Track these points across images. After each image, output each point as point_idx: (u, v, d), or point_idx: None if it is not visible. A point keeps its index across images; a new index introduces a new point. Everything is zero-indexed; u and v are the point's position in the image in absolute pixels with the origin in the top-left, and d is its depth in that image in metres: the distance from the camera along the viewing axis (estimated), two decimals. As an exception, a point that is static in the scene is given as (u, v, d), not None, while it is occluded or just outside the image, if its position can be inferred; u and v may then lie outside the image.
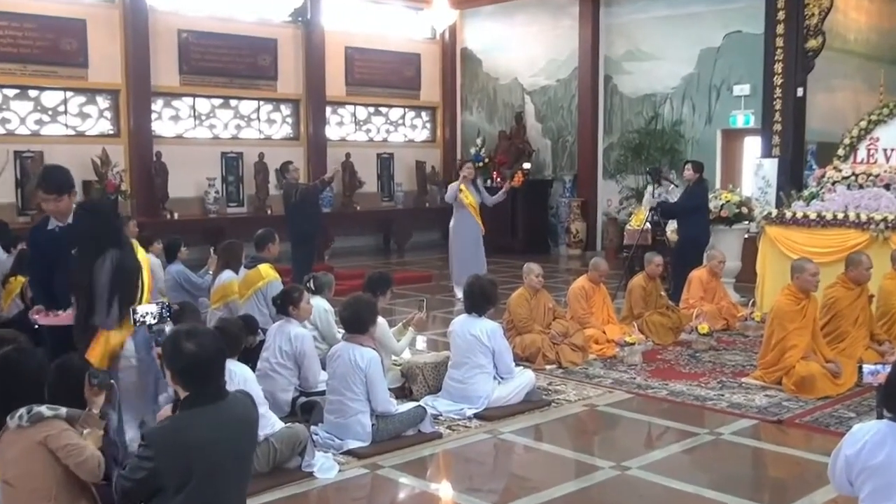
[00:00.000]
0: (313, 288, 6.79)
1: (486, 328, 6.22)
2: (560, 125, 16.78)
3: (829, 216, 9.38)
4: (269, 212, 14.87)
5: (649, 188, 12.48)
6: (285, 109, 16.26)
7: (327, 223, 15.50)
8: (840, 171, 9.87)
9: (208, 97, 15.19)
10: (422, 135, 18.53)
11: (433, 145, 18.51)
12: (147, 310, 4.42)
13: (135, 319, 4.41)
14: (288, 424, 4.91)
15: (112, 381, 4.06)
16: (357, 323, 5.42)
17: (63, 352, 4.25)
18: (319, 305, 6.80)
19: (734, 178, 13.94)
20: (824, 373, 6.68)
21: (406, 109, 18.13)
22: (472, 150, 17.35)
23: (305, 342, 5.98)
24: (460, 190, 11.16)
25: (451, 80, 18.32)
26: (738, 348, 8.38)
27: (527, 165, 16.52)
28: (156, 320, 4.43)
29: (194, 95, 14.99)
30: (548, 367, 7.51)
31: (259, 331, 6.46)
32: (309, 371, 5.97)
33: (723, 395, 6.64)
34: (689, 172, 10.37)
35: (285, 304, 6.14)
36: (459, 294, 11.06)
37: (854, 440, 2.99)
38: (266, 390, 5.73)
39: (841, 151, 10.28)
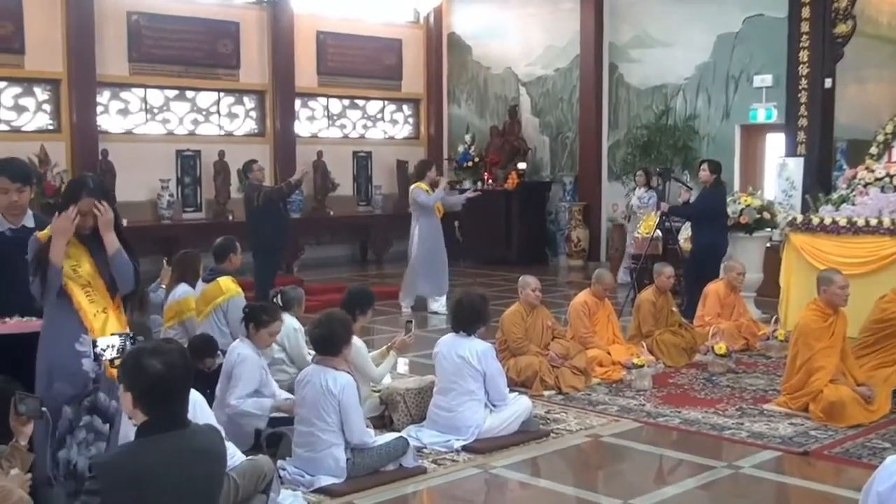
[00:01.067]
0: (280, 304, 6.78)
1: (475, 349, 6.23)
2: (559, 120, 16.84)
3: (860, 222, 9.45)
4: (230, 217, 14.85)
5: (638, 190, 12.60)
6: (249, 102, 16.27)
7: (296, 230, 15.45)
8: (873, 171, 9.95)
9: (161, 88, 15.18)
10: (403, 131, 18.56)
11: (416, 143, 18.55)
12: (108, 343, 4.34)
13: (95, 354, 4.35)
14: (251, 458, 4.89)
15: (44, 408, 4.01)
16: (329, 343, 5.41)
17: (6, 365, 4.23)
18: (288, 324, 6.78)
19: (755, 179, 14.03)
20: (855, 398, 6.72)
21: (385, 102, 18.16)
22: (461, 149, 17.41)
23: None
24: (426, 192, 11.48)
25: (437, 70, 18.38)
26: (760, 371, 8.42)
27: (522, 165, 16.58)
28: (117, 354, 4.30)
29: (145, 86, 14.98)
30: (546, 392, 7.52)
31: (218, 353, 6.44)
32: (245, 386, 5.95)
33: (742, 424, 6.67)
34: (704, 173, 10.42)
35: (249, 320, 6.12)
36: (436, 307, 11.53)
37: (888, 474, 2.99)
38: (228, 419, 5.72)
39: (874, 150, 10.37)
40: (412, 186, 11.84)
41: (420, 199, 11.58)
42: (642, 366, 7.72)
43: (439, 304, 11.52)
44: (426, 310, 11.63)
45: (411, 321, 7.15)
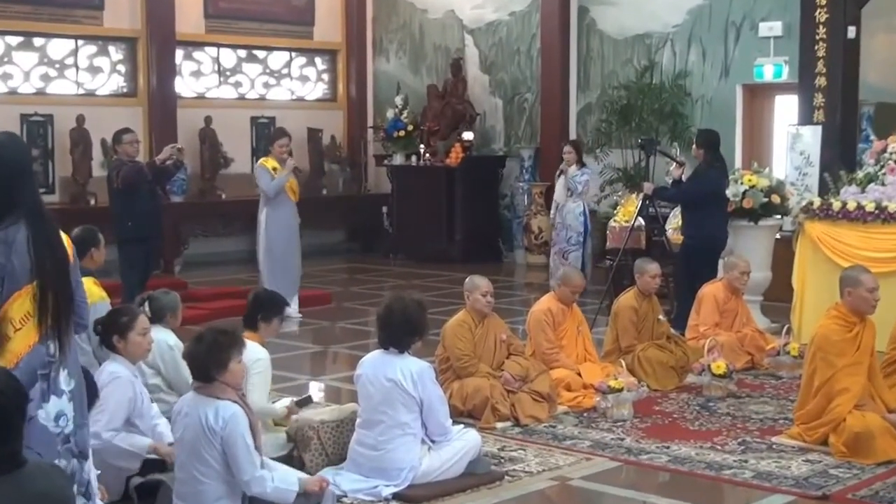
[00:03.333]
0: (149, 313, 6.69)
1: (410, 370, 6.20)
2: (515, 78, 16.89)
3: (892, 207, 9.58)
4: (91, 202, 14.68)
5: (571, 169, 12.62)
6: (116, 53, 16.07)
7: (177, 218, 15.32)
8: (907, 143, 10.11)
9: (2, 34, 14.95)
10: (316, 91, 18.48)
11: (332, 106, 18.47)
12: None
13: None
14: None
15: None
16: (203, 367, 5.32)
17: None
18: (162, 340, 6.71)
19: (761, 153, 14.20)
20: (887, 427, 6.80)
21: (293, 54, 18.07)
22: (390, 114, 17.38)
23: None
24: (274, 170, 11.67)
25: (359, 13, 18.36)
26: (768, 395, 8.49)
27: (468, 136, 16.59)
28: None
29: (-20, 31, 14.78)
30: (499, 424, 7.51)
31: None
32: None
33: (746, 462, 6.73)
34: (695, 148, 10.51)
35: (110, 333, 6.04)
36: (289, 311, 11.47)
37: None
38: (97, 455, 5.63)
39: (909, 116, 10.52)
40: (257, 164, 12.06)
41: (260, 184, 11.90)
42: (621, 389, 7.74)
43: (293, 308, 11.66)
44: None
45: (307, 396, 7.04)
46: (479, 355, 7.82)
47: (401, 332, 6.27)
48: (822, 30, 12.32)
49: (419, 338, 6.36)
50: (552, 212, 13.28)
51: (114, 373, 5.93)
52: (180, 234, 15.58)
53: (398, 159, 17.22)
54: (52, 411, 4.28)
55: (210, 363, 5.25)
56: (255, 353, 6.28)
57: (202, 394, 5.32)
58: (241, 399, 5.38)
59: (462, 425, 6.69)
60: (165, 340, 6.81)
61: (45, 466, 3.33)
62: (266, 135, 17.29)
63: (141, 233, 10.49)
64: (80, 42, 15.70)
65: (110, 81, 16.05)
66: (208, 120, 16.31)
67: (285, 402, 6.84)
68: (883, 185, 9.92)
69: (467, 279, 7.96)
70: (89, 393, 5.34)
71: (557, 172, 13.17)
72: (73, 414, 4.37)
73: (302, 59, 18.23)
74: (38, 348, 4.25)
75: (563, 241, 12.74)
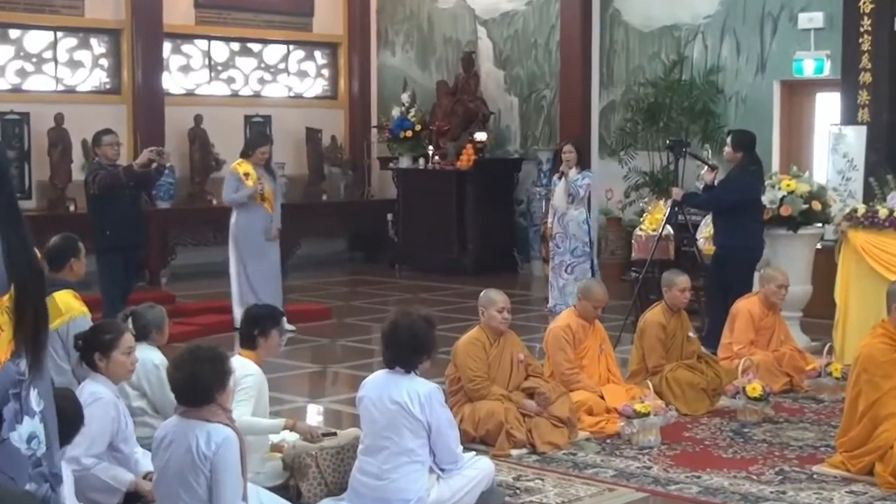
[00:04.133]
0: (133, 330, 6.70)
1: (417, 392, 6.19)
2: (532, 73, 16.90)
3: (943, 215, 9.57)
4: (72, 208, 14.71)
5: (572, 172, 12.60)
6: (98, 45, 16.11)
7: (163, 226, 15.34)
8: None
9: (-27, 25, 15.06)
10: (316, 87, 18.52)
11: (333, 104, 18.51)
12: None
13: None
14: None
15: None
16: (192, 389, 5.31)
17: None
18: (146, 358, 6.72)
19: (800, 155, 14.17)
20: (938, 456, 6.79)
21: (291, 47, 18.11)
22: (396, 112, 17.38)
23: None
24: (245, 176, 11.92)
25: (363, 3, 18.39)
26: (808, 420, 8.47)
27: (481, 136, 16.60)
28: None
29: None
30: (514, 451, 7.51)
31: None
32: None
33: (785, 493, 6.71)
34: (730, 149, 10.48)
35: (91, 351, 6.04)
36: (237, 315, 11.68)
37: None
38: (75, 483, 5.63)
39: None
40: (229, 166, 12.32)
41: (224, 190, 12.22)
42: (647, 413, 7.74)
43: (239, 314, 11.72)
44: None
45: (334, 431, 7.04)
46: (493, 377, 7.81)
47: (407, 351, 6.26)
48: (867, 21, 12.33)
49: (427, 357, 6.34)
50: (549, 220, 13.27)
51: (95, 393, 5.93)
52: (167, 243, 15.58)
53: (404, 162, 17.22)
54: (25, 433, 4.29)
55: (214, 383, 5.25)
56: (244, 369, 6.29)
57: (191, 418, 5.30)
58: (232, 422, 5.38)
59: (474, 452, 6.69)
60: (151, 359, 6.82)
61: (17, 493, 3.33)
62: (258, 134, 17.42)
63: (119, 242, 10.50)
64: (60, 34, 15.72)
65: (92, 77, 16.08)
66: (198, 119, 16.32)
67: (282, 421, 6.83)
68: (934, 190, 9.92)
69: (482, 293, 7.95)
70: (75, 418, 5.37)
71: (557, 175, 13.14)
72: (45, 436, 4.38)
73: (300, 53, 18.27)
74: (8, 366, 4.25)
75: (565, 254, 12.75)
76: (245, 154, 12.27)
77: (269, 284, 12.00)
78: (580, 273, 12.59)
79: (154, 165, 10.82)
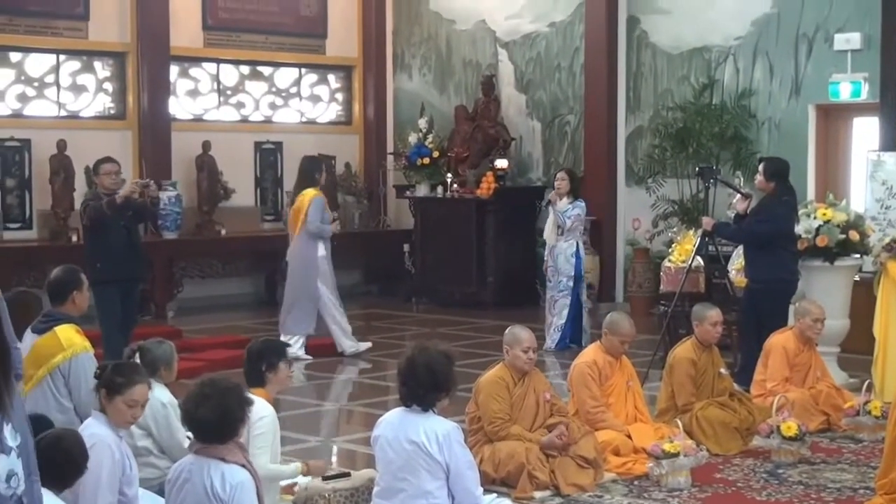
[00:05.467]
0: (145, 374, 6.68)
1: (435, 431, 6.18)
2: (556, 98, 16.92)
3: None
4: (74, 238, 14.66)
5: (562, 202, 12.63)
6: (102, 69, 16.20)
7: (170, 258, 15.37)
8: None
9: (-28, 49, 15.15)
10: (329, 112, 18.58)
11: (348, 129, 18.56)
12: None
13: None
14: None
15: None
16: (225, 422, 5.33)
17: None
18: (155, 396, 6.69)
19: (837, 183, 14.13)
20: None
21: (303, 70, 18.18)
22: (413, 139, 17.40)
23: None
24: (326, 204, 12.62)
25: (378, 24, 18.45)
26: (846, 460, 8.42)
27: (502, 164, 16.60)
28: None
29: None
30: (537, 494, 7.48)
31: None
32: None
33: (823, 539, 6.69)
34: (762, 178, 10.45)
35: (99, 386, 5.99)
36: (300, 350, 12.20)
37: None
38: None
39: None
40: (311, 196, 12.55)
41: (311, 221, 12.53)
42: (677, 454, 7.70)
43: (295, 347, 12.14)
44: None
45: (347, 472, 7.06)
46: (515, 417, 7.78)
47: (425, 388, 6.25)
48: (906, 42, 12.31)
49: (446, 394, 6.33)
50: (546, 253, 13.28)
51: (95, 435, 5.85)
52: (173, 276, 15.63)
53: (422, 190, 17.23)
54: (3, 472, 4.29)
55: (243, 417, 5.31)
56: (259, 411, 6.27)
57: (208, 455, 5.31)
58: (249, 462, 5.38)
59: (495, 494, 6.69)
60: (158, 397, 6.79)
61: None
62: (271, 162, 17.45)
63: (112, 275, 10.50)
64: (62, 57, 15.82)
65: (96, 102, 16.16)
66: (206, 145, 16.33)
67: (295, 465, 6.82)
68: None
69: (508, 331, 7.91)
70: (79, 459, 5.36)
71: (545, 202, 13.17)
72: (23, 472, 4.39)
73: (313, 77, 18.34)
74: None
75: (553, 289, 12.77)
76: (312, 181, 12.67)
77: (307, 304, 12.60)
78: (561, 309, 12.65)
79: (138, 197, 10.78)
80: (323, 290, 12.57)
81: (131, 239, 10.94)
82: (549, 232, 12.96)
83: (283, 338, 11.68)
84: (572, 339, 12.75)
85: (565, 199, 12.69)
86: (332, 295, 12.67)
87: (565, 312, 12.67)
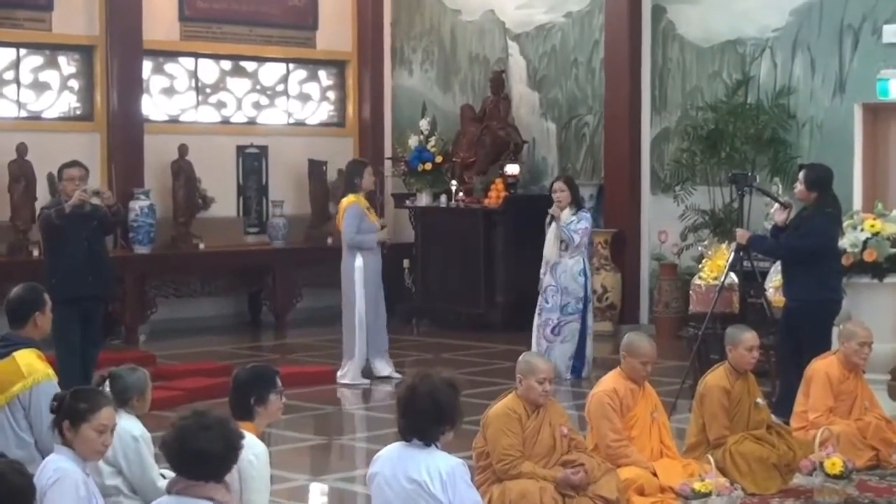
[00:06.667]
0: (110, 395, 6.70)
1: (438, 468, 6.17)
2: (572, 96, 16.95)
3: None
4: (35, 253, 14.69)
5: (564, 214, 12.61)
6: (67, 65, 16.27)
7: (142, 274, 15.37)
8: None
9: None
10: (320, 113, 18.64)
11: (341, 132, 18.61)
12: None
13: None
14: None
15: None
16: (221, 456, 5.33)
17: None
18: (125, 429, 6.70)
19: (886, 191, 14.13)
20: None
21: (291, 66, 18.25)
22: (413, 142, 17.41)
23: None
24: (368, 210, 12.71)
25: (375, 15, 18.49)
26: (898, 501, 8.45)
27: (512, 170, 16.62)
28: None
29: None
30: (552, 538, 7.50)
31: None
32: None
33: (870, 588, 6.71)
34: (802, 187, 10.45)
35: (60, 417, 5.97)
36: (387, 369, 12.59)
37: None
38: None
39: None
40: (347, 203, 12.63)
41: (345, 230, 12.67)
42: (709, 493, 7.71)
43: (388, 365, 12.60)
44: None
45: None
46: (528, 453, 7.77)
47: (427, 420, 6.25)
48: (963, 34, 12.35)
49: (450, 427, 6.31)
50: (542, 271, 13.20)
51: (59, 469, 5.85)
52: (146, 295, 15.63)
53: (423, 199, 17.25)
54: None
55: (240, 452, 5.32)
56: (250, 448, 6.26)
57: (194, 496, 5.29)
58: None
59: (504, 540, 6.68)
60: (129, 430, 6.78)
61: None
62: (255, 168, 17.46)
63: (68, 294, 10.45)
64: (23, 52, 15.89)
65: (60, 101, 16.23)
66: (183, 149, 16.36)
67: None
68: None
69: (521, 358, 7.90)
70: (25, 495, 5.34)
71: (548, 219, 13.06)
72: None
73: (302, 73, 18.40)
74: None
75: (554, 311, 12.71)
76: (353, 187, 12.78)
77: (380, 337, 12.89)
78: (569, 334, 12.65)
79: (87, 207, 10.72)
80: (358, 305, 12.71)
81: (94, 253, 10.89)
82: (550, 249, 12.94)
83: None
84: (573, 370, 12.77)
85: (567, 211, 12.68)
86: (364, 314, 12.74)
87: (576, 338, 12.65)
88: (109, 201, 11.17)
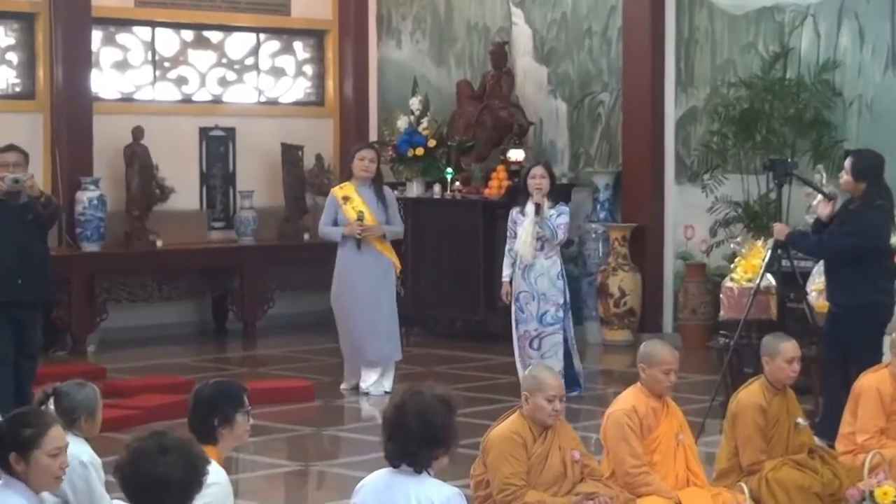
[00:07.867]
0: (54, 415, 6.66)
1: (430, 498, 6.15)
2: (585, 71, 16.98)
3: None
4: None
5: (544, 206, 12.37)
6: (6, 36, 16.32)
7: (91, 276, 15.38)
8: None
9: None
10: (295, 90, 18.71)
11: (319, 111, 18.69)
12: None
13: None
14: None
15: None
16: (183, 483, 5.28)
17: None
18: (73, 454, 6.65)
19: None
20: None
21: (262, 36, 18.31)
22: (402, 123, 17.42)
23: None
24: (345, 200, 12.66)
25: (358, -22, 18.54)
26: (961, 537, 8.41)
27: (516, 155, 16.61)
28: None
29: None
30: (562, 579, 7.51)
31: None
32: None
33: None
34: (848, 177, 10.40)
35: (5, 449, 5.93)
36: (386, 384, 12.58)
37: None
38: None
39: None
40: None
41: (320, 223, 13.02)
42: (743, 528, 7.70)
43: (379, 377, 12.73)
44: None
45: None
46: (534, 482, 7.76)
47: (417, 444, 6.22)
48: None
49: (444, 451, 6.29)
50: (506, 273, 12.89)
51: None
52: (95, 299, 15.64)
53: (414, 189, 17.29)
54: None
55: (205, 478, 5.32)
56: (209, 476, 6.22)
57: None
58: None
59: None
60: (77, 455, 6.75)
61: None
62: (221, 154, 17.46)
63: None
64: (-46, 21, 15.92)
65: (-2, 77, 16.26)
66: (138, 132, 16.37)
67: None
68: None
69: (528, 373, 7.96)
70: None
71: (518, 210, 12.76)
72: None
73: (274, 45, 18.44)
74: None
75: (531, 321, 12.49)
76: (348, 173, 13.13)
77: (370, 346, 12.95)
78: (550, 347, 12.36)
79: (23, 198, 10.53)
80: (337, 306, 13.07)
81: (28, 251, 10.77)
82: (525, 246, 12.52)
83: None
84: (569, 387, 12.53)
85: (546, 202, 12.54)
86: (339, 312, 13.11)
87: (560, 352, 12.42)
88: (33, 192, 10.79)
